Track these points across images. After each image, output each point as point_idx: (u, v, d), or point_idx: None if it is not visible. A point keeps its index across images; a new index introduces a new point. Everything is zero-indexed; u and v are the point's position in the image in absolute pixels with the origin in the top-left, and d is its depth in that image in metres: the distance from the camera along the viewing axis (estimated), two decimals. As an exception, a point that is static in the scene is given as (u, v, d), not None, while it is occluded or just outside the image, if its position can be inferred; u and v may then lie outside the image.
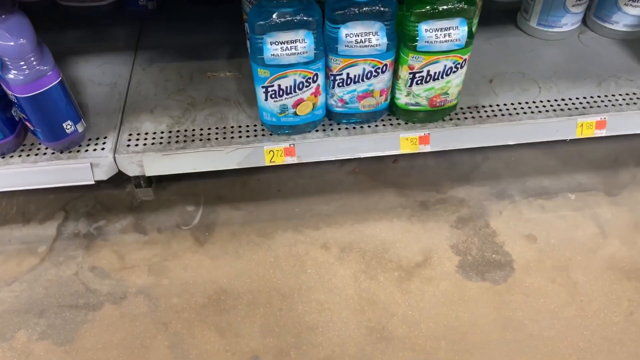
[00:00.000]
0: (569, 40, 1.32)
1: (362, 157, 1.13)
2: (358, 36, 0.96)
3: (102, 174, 1.06)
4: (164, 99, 1.19)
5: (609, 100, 1.15)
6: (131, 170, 1.07)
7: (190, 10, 1.47)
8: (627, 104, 1.14)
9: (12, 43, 0.85)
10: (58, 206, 1.26)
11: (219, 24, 1.41)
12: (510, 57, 1.28)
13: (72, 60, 1.29)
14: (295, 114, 1.05)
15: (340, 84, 1.04)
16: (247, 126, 1.12)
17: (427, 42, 0.97)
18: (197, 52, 1.32)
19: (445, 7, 0.94)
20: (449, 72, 1.02)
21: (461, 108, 1.15)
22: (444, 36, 0.96)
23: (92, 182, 1.06)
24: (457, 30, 0.96)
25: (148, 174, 1.07)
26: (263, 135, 1.10)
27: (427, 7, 0.94)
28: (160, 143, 1.08)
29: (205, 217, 1.24)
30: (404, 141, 1.12)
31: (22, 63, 0.89)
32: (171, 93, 1.20)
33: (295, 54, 0.95)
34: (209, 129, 1.11)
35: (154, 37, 1.37)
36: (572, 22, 1.29)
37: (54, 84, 0.94)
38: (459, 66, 1.02)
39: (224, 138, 1.09)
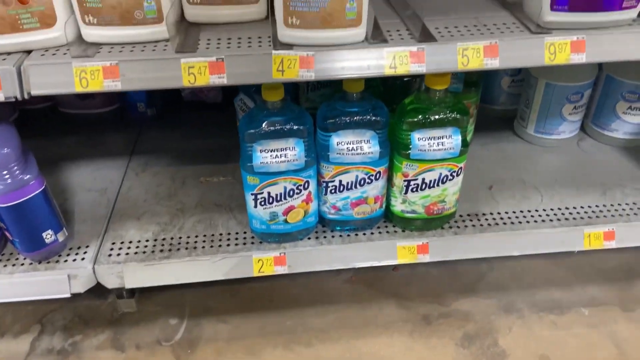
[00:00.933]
0: (568, 148, 1.30)
1: (357, 267, 1.06)
2: (350, 144, 0.94)
3: (80, 286, 1.00)
4: (154, 204, 1.15)
5: (616, 210, 1.10)
6: (110, 282, 1.01)
7: (190, 116, 1.49)
8: (635, 214, 1.08)
9: (-6, 152, 0.83)
10: (35, 318, 1.18)
11: (216, 129, 1.42)
12: (508, 164, 1.26)
13: (66, 166, 1.28)
14: (285, 221, 1.00)
15: (333, 191, 1.00)
16: (237, 233, 1.07)
17: (420, 150, 0.94)
18: (192, 156, 1.31)
19: (437, 116, 0.93)
20: (444, 180, 0.98)
21: (460, 215, 1.10)
22: (438, 145, 0.94)
23: (69, 295, 0.99)
24: (450, 139, 0.94)
25: (128, 286, 1.01)
26: (252, 243, 1.05)
27: (420, 117, 0.93)
28: (144, 252, 1.03)
29: (189, 332, 1.14)
30: (402, 250, 1.05)
31: (5, 172, 0.86)
32: (161, 199, 1.17)
33: (285, 161, 0.92)
34: (197, 236, 1.06)
35: (151, 142, 1.37)
36: (570, 130, 1.28)
37: (36, 192, 0.91)
38: (454, 174, 0.98)
39: (212, 246, 1.04)
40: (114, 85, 0.77)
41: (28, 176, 0.90)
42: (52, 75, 0.76)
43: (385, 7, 0.96)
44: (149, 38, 0.81)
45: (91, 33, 0.79)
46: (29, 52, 0.79)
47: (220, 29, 0.87)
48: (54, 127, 1.42)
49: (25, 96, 0.76)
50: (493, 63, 0.82)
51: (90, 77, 0.76)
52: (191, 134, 1.40)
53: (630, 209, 1.10)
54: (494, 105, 1.42)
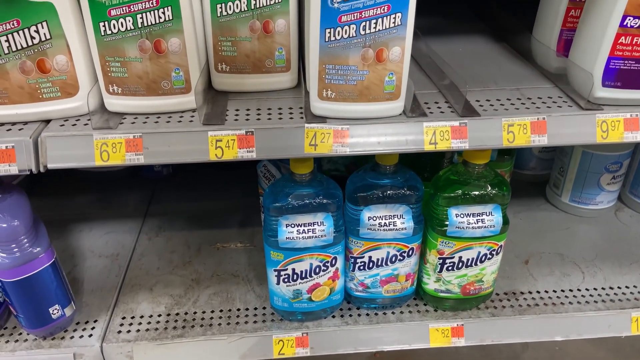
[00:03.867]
0: (605, 218, 1.23)
1: (385, 350, 0.98)
2: (382, 219, 0.88)
3: (85, 366, 0.92)
4: (167, 273, 1.08)
5: (665, 291, 1.02)
6: (118, 362, 0.93)
7: (206, 175, 1.44)
8: (686, 295, 1.00)
9: (4, 225, 0.78)
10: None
11: (233, 190, 1.36)
12: (544, 235, 1.18)
13: (77, 228, 1.22)
14: (310, 299, 0.93)
15: (362, 267, 0.93)
16: (255, 308, 1.00)
17: (458, 227, 0.88)
18: (208, 219, 1.25)
19: (477, 192, 0.86)
20: (483, 259, 0.91)
21: (497, 294, 1.02)
22: (477, 222, 0.87)
23: (72, 376, 0.91)
24: (491, 217, 0.87)
25: (137, 367, 0.93)
26: (272, 320, 0.97)
27: (458, 192, 0.87)
28: (156, 329, 0.95)
29: (201, 415, 1.05)
30: (434, 333, 0.97)
31: (13, 245, 0.81)
32: (175, 267, 1.10)
33: (312, 237, 0.86)
34: (212, 311, 0.99)
35: (165, 203, 1.32)
36: (608, 200, 1.21)
37: (45, 266, 0.85)
38: (494, 253, 0.91)
39: (228, 323, 0.96)
40: (137, 158, 0.72)
41: (38, 249, 0.84)
42: (71, 148, 0.71)
43: (421, 76, 0.92)
44: (175, 108, 0.76)
45: (115, 103, 0.75)
46: (47, 121, 0.75)
47: (249, 97, 0.83)
48: (66, 184, 1.37)
49: (41, 169, 0.71)
50: (541, 140, 0.76)
51: (111, 150, 0.71)
52: (208, 195, 1.35)
53: (680, 290, 1.02)
54: (524, 170, 1.36)
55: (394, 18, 0.68)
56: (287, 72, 0.83)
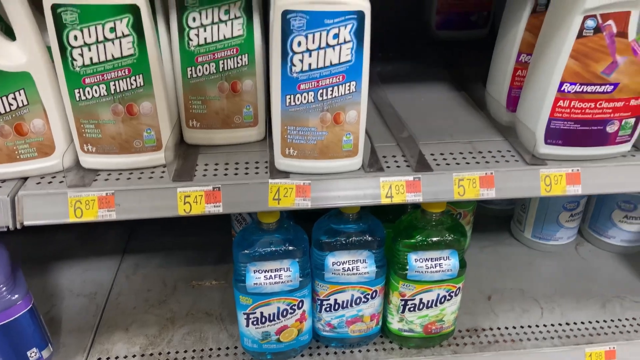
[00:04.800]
0: (566, 253, 1.29)
1: (352, 387, 1.02)
2: (345, 264, 0.93)
3: (60, 408, 0.95)
4: (143, 312, 1.12)
5: (616, 326, 1.07)
6: (93, 404, 0.96)
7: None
8: (635, 330, 1.06)
9: (-19, 276, 0.81)
10: None
11: (210, 227, 1.40)
12: (507, 270, 1.24)
13: (57, 266, 1.25)
14: (278, 340, 0.97)
15: (328, 309, 0.98)
16: (227, 348, 1.03)
17: (417, 271, 0.93)
18: (185, 256, 1.29)
19: (435, 239, 0.92)
20: (442, 301, 0.96)
21: (459, 331, 1.07)
22: (435, 266, 0.92)
23: (48, 418, 0.94)
24: (448, 261, 0.92)
25: (111, 408, 0.96)
26: (244, 360, 1.01)
27: (416, 239, 0.92)
28: (131, 369, 0.99)
29: None
30: (399, 370, 1.02)
31: (-9, 294, 0.84)
32: (151, 306, 1.14)
33: (279, 282, 0.90)
34: (186, 351, 1.02)
35: (144, 240, 1.35)
36: (568, 236, 1.27)
37: (22, 312, 0.88)
38: (452, 294, 0.96)
39: (201, 364, 1.00)
40: (109, 215, 0.76)
41: (16, 296, 0.87)
42: (47, 206, 0.75)
43: (382, 128, 0.97)
44: (147, 164, 0.81)
45: (89, 160, 0.79)
46: (25, 178, 0.79)
47: (218, 151, 0.88)
48: (47, 221, 1.40)
49: (18, 226, 0.75)
50: (489, 193, 0.82)
51: (85, 207, 0.75)
52: (186, 232, 1.39)
53: (630, 324, 1.07)
54: (491, 205, 1.42)
55: (349, 86, 0.74)
56: (254, 127, 0.89)
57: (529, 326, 1.08)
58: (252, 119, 0.88)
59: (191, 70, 0.81)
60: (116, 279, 1.22)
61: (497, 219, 1.41)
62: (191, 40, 0.79)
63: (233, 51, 0.81)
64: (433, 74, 1.21)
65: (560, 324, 1.08)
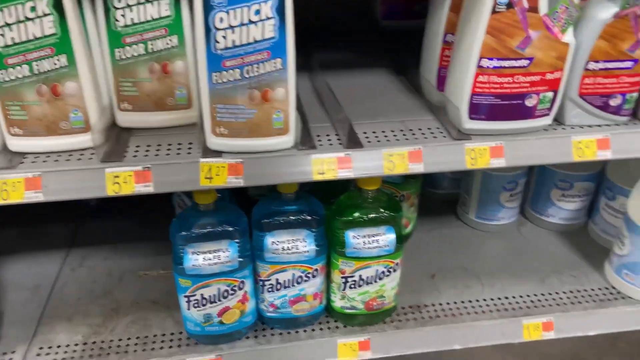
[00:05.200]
0: (509, 233, 1.33)
1: (297, 367, 1.03)
2: (285, 243, 0.94)
3: (-1, 398, 0.93)
4: (87, 303, 1.11)
5: (554, 299, 1.11)
6: (33, 393, 0.95)
7: (134, 203, 1.46)
8: (572, 303, 1.10)
9: None
10: None
11: (160, 218, 1.38)
12: (452, 250, 1.27)
13: (1, 260, 1.23)
14: (221, 322, 0.98)
15: (270, 289, 0.99)
16: (172, 334, 1.03)
17: (355, 248, 0.95)
18: (133, 248, 1.28)
19: (370, 215, 0.94)
20: (382, 277, 0.98)
21: (403, 308, 1.09)
22: (372, 242, 0.94)
23: (-15, 409, 0.93)
24: (384, 237, 0.95)
25: (51, 397, 0.95)
26: (188, 345, 1.01)
27: (353, 216, 0.94)
28: (72, 358, 0.97)
29: None
30: (343, 347, 1.03)
31: None
32: (96, 297, 1.13)
33: (218, 263, 0.91)
34: (129, 339, 1.02)
35: (92, 233, 1.34)
36: (509, 216, 1.31)
37: (-46, 301, 0.87)
38: (391, 270, 0.99)
39: (144, 350, 1.00)
40: (36, 196, 0.76)
41: (-54, 285, 0.86)
42: (-30, 188, 0.74)
43: (319, 110, 0.99)
44: (75, 147, 0.81)
45: (16, 143, 0.79)
46: (-51, 162, 0.78)
47: (152, 133, 0.88)
48: (-7, 218, 1.38)
49: (-60, 210, 0.74)
50: (418, 168, 0.84)
51: (11, 189, 0.75)
52: (135, 223, 1.38)
53: (568, 297, 1.12)
54: (438, 189, 1.45)
55: (275, 63, 0.75)
56: (189, 109, 0.89)
57: (470, 301, 1.11)
58: (186, 101, 0.88)
59: (119, 51, 0.81)
60: (61, 271, 1.21)
61: (445, 202, 1.44)
62: (117, 20, 0.79)
63: (162, 32, 0.81)
64: (375, 62, 1.23)
65: (499, 298, 1.12)
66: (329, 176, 0.83)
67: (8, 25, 0.70)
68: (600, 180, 1.26)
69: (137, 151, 0.82)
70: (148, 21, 0.80)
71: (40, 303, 1.11)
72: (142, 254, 1.26)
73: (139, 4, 0.79)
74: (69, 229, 1.35)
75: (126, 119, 0.87)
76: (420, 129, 0.90)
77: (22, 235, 1.33)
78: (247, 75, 0.76)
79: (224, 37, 0.72)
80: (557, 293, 1.13)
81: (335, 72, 1.16)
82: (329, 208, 0.98)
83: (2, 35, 0.71)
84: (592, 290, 1.14)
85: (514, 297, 1.12)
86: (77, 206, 1.41)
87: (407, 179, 1.20)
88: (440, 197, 1.46)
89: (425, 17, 1.41)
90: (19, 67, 0.73)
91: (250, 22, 0.72)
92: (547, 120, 0.87)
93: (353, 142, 0.85)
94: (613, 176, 1.19)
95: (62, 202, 1.43)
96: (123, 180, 0.78)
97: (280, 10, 0.72)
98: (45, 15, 0.71)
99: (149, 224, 1.37)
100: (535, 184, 1.32)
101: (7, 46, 0.72)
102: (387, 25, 1.40)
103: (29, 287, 1.15)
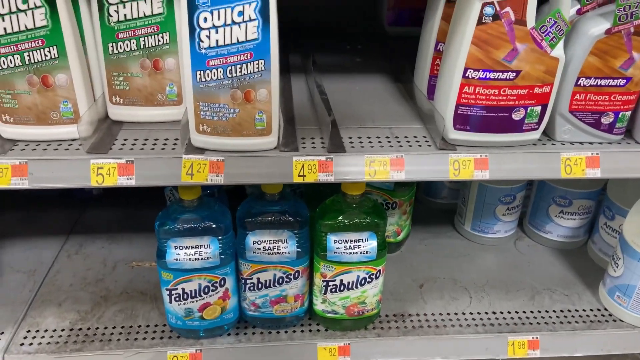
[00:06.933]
0: (504, 246, 1.31)
1: (276, 367, 1.04)
2: (266, 243, 0.95)
3: (-16, 376, 0.96)
4: (78, 290, 1.14)
5: (542, 317, 1.09)
6: (16, 373, 0.98)
7: (135, 195, 1.49)
8: (560, 322, 1.08)
9: None
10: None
11: (158, 210, 1.42)
12: (443, 261, 1.26)
13: (0, 243, 1.27)
14: (201, 317, 0.99)
15: (252, 288, 1.00)
16: (156, 326, 1.05)
17: (336, 252, 0.95)
18: (129, 238, 1.31)
19: (353, 220, 0.94)
20: (363, 283, 0.98)
21: (387, 315, 1.09)
22: (353, 248, 0.94)
23: (-31, 387, 0.96)
24: (366, 243, 0.94)
25: (33, 378, 0.98)
26: (170, 337, 1.02)
27: (335, 220, 0.94)
28: (57, 342, 1.00)
29: None
30: (322, 352, 1.03)
31: None
32: (88, 284, 1.16)
33: (199, 259, 0.92)
34: (114, 327, 1.04)
35: (92, 222, 1.37)
36: (506, 230, 1.29)
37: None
38: (373, 277, 0.98)
39: (127, 339, 1.01)
40: (22, 183, 0.78)
41: (-63, 263, 0.89)
42: (-41, 172, 0.77)
43: (309, 112, 0.99)
44: (64, 137, 0.83)
45: (7, 131, 0.82)
46: (-56, 146, 0.81)
47: (141, 128, 0.90)
48: (-1, 202, 1.42)
49: None
50: (399, 175, 0.84)
51: (-2, 174, 0.77)
52: (133, 215, 1.41)
53: (557, 316, 1.09)
54: (436, 199, 1.44)
55: (257, 64, 0.76)
56: (178, 106, 0.91)
57: (455, 313, 1.10)
58: (176, 97, 0.90)
59: (112, 46, 0.83)
60: (58, 257, 1.24)
61: (443, 212, 1.43)
62: (111, 16, 0.81)
63: (154, 29, 0.83)
64: (375, 66, 1.24)
65: (486, 313, 1.10)
66: (309, 179, 0.83)
67: (0, 16, 0.73)
68: (600, 199, 1.23)
69: (124, 144, 0.84)
70: (141, 18, 0.82)
71: (34, 287, 1.14)
72: (137, 245, 1.29)
73: (132, 0, 0.81)
74: (71, 217, 1.38)
75: (117, 112, 0.89)
76: (406, 137, 0.90)
77: (24, 219, 1.37)
78: (230, 75, 0.77)
79: (208, 36, 0.73)
80: (546, 311, 1.11)
81: (333, 75, 1.16)
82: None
83: (-4, 25, 0.74)
84: (584, 310, 1.11)
85: (501, 313, 1.10)
86: (80, 194, 1.45)
87: (400, 186, 1.19)
88: (438, 207, 1.45)
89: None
90: (10, 57, 0.76)
91: (234, 22, 0.73)
92: (535, 135, 0.86)
93: (336, 146, 0.85)
94: (613, 195, 1.16)
95: (66, 190, 1.47)
96: (107, 172, 0.80)
97: (263, 12, 0.73)
98: (37, 7, 0.73)
99: (147, 216, 1.39)
100: (534, 198, 1.30)
101: None
102: (393, 31, 1.40)
103: (25, 270, 1.19)
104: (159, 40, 0.84)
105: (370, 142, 0.88)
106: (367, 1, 1.48)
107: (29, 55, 0.76)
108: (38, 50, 0.76)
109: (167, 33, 0.84)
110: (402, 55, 1.26)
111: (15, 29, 0.74)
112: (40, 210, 1.40)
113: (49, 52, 0.76)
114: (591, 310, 1.12)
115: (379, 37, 1.41)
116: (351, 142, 0.88)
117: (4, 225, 1.33)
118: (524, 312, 1.11)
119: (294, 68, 1.21)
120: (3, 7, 0.72)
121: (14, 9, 0.72)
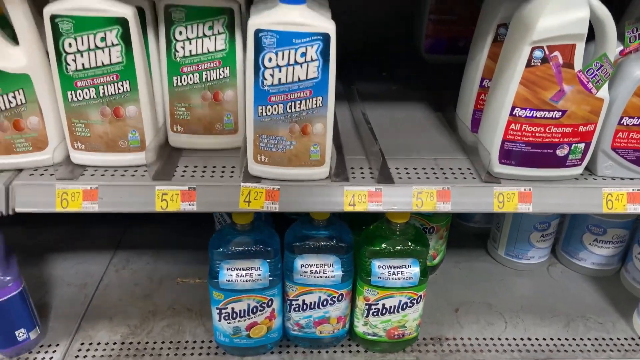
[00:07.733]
0: (537, 272, 1.33)
1: (317, 386, 1.07)
2: (313, 267, 0.99)
3: (42, 386, 1.02)
4: (128, 305, 1.19)
5: (577, 345, 1.11)
6: (72, 384, 1.03)
7: (178, 214, 1.55)
8: (595, 350, 1.10)
9: (-24, 257, 0.89)
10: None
11: (201, 228, 1.47)
12: (478, 285, 1.29)
13: (52, 256, 1.33)
14: (248, 336, 1.03)
15: (297, 309, 1.04)
16: (203, 342, 1.10)
17: (380, 277, 0.98)
18: (173, 254, 1.36)
19: (397, 247, 0.97)
20: (404, 307, 1.02)
21: (424, 338, 1.12)
22: (397, 274, 0.98)
23: (29, 396, 1.01)
24: (409, 269, 0.98)
25: (88, 389, 1.03)
26: (216, 354, 1.07)
27: (380, 247, 0.98)
28: (110, 356, 1.05)
29: None
30: (362, 372, 1.07)
31: (-16, 274, 0.92)
32: (136, 299, 1.21)
33: (250, 280, 0.97)
34: (163, 342, 1.09)
35: (137, 237, 1.43)
36: (539, 256, 1.32)
37: (13, 294, 0.96)
38: (414, 302, 1.02)
39: (176, 354, 1.06)
40: (92, 207, 0.84)
41: (8, 278, 0.95)
42: (37, 196, 0.83)
43: (355, 142, 1.04)
44: (131, 163, 0.89)
45: (78, 157, 0.87)
46: (20, 170, 0.87)
47: (199, 155, 0.95)
48: (46, 214, 1.48)
49: (10, 212, 0.83)
50: (445, 207, 0.88)
51: (70, 199, 0.83)
52: (177, 232, 1.46)
53: (592, 344, 1.11)
54: (469, 222, 1.47)
55: (316, 100, 0.81)
56: (235, 134, 0.96)
57: (492, 338, 1.13)
58: (233, 126, 0.95)
59: (177, 79, 0.89)
60: (106, 272, 1.30)
61: (476, 236, 1.46)
62: (177, 51, 0.87)
63: (216, 63, 0.89)
64: (415, 95, 1.28)
65: (522, 339, 1.13)
66: (359, 208, 0.87)
67: (80, 52, 0.79)
68: (634, 228, 1.25)
69: (184, 171, 0.89)
70: (204, 53, 0.88)
71: (85, 300, 1.20)
72: (181, 261, 1.34)
73: (197, 37, 0.86)
74: (117, 232, 1.44)
75: (177, 140, 0.95)
76: (451, 168, 0.94)
77: (73, 234, 1.43)
78: (289, 111, 0.81)
79: (271, 75, 0.79)
80: (581, 339, 1.13)
81: (374, 103, 1.21)
82: (359, 234, 1.02)
83: (74, 60, 0.79)
84: (618, 339, 1.13)
85: (536, 339, 1.13)
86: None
87: (438, 212, 1.22)
88: (471, 230, 1.47)
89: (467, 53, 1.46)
90: (86, 90, 0.81)
91: (296, 62, 0.78)
92: (578, 170, 0.89)
93: (385, 177, 0.90)
94: (648, 226, 1.18)
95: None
96: (170, 198, 0.85)
97: (324, 53, 0.77)
98: (114, 45, 0.79)
99: (190, 234, 1.45)
100: (568, 226, 1.32)
101: (77, 70, 0.80)
102: (430, 59, 1.44)
103: (76, 284, 1.25)
104: (220, 74, 0.90)
105: (416, 172, 0.92)
106: (402, 26, 1.52)
107: (103, 89, 0.82)
108: (112, 84, 0.81)
109: (228, 67, 0.89)
110: (441, 84, 1.31)
111: (93, 64, 0.80)
112: (88, 225, 1.46)
113: (122, 85, 0.82)
114: (625, 339, 1.13)
115: (416, 64, 1.45)
116: (398, 173, 0.92)
117: (54, 239, 1.40)
118: (559, 339, 1.13)
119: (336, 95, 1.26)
120: (83, 45, 0.78)
121: (92, 46, 0.78)
